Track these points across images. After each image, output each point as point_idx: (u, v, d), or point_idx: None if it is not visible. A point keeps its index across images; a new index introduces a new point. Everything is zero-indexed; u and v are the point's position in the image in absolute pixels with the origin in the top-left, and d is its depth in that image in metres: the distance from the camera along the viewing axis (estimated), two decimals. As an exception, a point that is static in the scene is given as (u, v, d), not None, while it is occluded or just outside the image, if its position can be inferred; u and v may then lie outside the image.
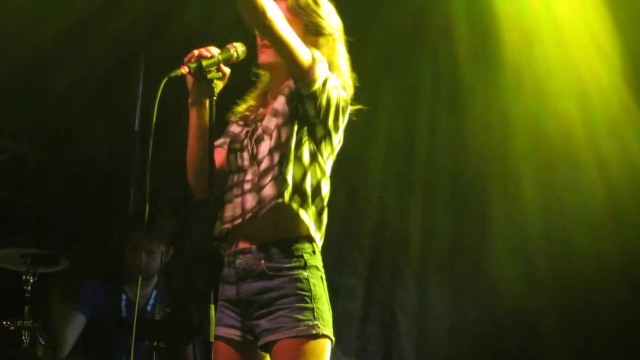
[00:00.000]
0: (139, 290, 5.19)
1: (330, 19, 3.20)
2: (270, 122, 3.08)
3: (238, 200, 3.10)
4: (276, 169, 3.02)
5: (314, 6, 3.17)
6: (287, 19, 3.05)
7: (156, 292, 5.38)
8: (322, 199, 3.13)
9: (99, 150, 6.13)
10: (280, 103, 3.09)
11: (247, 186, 3.09)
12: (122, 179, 6.01)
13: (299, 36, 3.05)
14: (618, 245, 5.44)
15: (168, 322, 4.92)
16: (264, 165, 3.05)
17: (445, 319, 5.88)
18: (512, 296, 5.64)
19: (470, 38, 5.73)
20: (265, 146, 3.07)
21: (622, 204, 5.45)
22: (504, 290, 5.67)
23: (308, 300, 3.02)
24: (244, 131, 3.18)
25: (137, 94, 6.07)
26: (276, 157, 3.04)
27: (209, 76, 3.04)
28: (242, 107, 3.27)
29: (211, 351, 3.14)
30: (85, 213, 5.99)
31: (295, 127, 3.07)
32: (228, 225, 3.12)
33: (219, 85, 3.08)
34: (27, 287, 4.84)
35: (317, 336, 3.00)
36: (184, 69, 3.01)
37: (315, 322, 3.00)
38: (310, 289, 3.04)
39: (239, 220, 3.08)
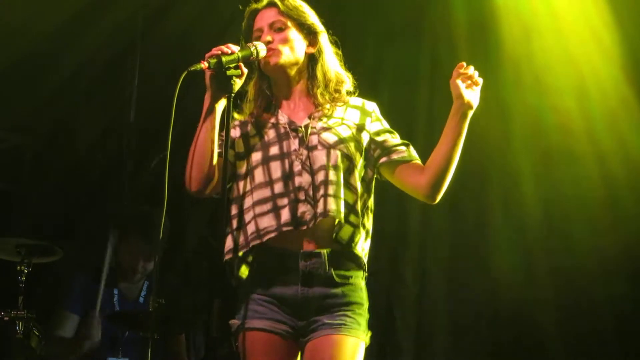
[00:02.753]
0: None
1: (315, 18, 3.31)
2: (331, 138, 3.16)
3: (287, 208, 3.11)
4: (335, 183, 3.11)
5: (300, 7, 3.28)
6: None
7: (147, 282, 5.36)
8: (370, 213, 3.25)
9: (94, 142, 6.11)
10: (345, 131, 3.21)
11: (300, 195, 3.12)
12: (117, 170, 6.00)
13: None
14: (616, 238, 5.46)
15: (162, 313, 4.91)
16: (323, 177, 3.11)
17: (444, 311, 5.87)
18: (510, 289, 5.64)
19: (469, 32, 5.72)
20: (323, 159, 3.13)
21: (620, 197, 5.47)
22: (502, 283, 5.67)
23: (365, 310, 3.18)
24: (282, 139, 3.19)
25: (132, 86, 6.06)
26: (334, 173, 3.12)
27: (228, 73, 3.04)
28: (247, 110, 3.29)
29: (212, 344, 3.12)
30: (80, 204, 5.98)
31: (357, 153, 3.20)
32: (274, 234, 3.12)
33: (237, 83, 3.08)
34: (21, 278, 4.83)
35: (364, 345, 3.15)
36: (204, 64, 3.01)
37: (368, 332, 3.17)
38: (367, 299, 3.20)
39: (289, 228, 3.10)
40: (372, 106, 3.31)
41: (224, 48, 3.05)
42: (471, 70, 3.13)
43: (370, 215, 3.24)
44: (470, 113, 3.15)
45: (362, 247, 3.17)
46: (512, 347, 5.68)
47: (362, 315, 3.14)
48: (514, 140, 5.69)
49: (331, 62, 3.29)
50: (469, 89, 3.13)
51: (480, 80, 3.15)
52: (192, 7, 5.86)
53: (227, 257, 3.16)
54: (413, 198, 5.72)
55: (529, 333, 5.65)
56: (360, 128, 3.23)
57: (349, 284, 3.13)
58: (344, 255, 3.13)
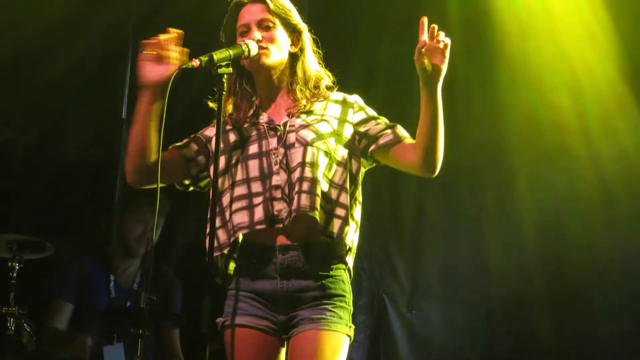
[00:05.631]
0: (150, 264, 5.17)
1: (298, 16, 3.31)
2: (308, 135, 3.16)
3: (262, 206, 3.11)
4: (311, 180, 3.09)
5: (286, 6, 3.28)
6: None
7: (141, 271, 5.35)
8: (358, 204, 3.23)
9: (86, 137, 6.09)
10: (324, 127, 3.20)
11: (276, 193, 3.11)
12: (109, 166, 5.99)
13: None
14: (610, 237, 5.47)
15: (155, 309, 4.90)
16: (299, 174, 3.10)
17: (437, 308, 5.87)
18: (504, 287, 5.65)
19: (464, 30, 5.71)
20: (300, 157, 3.12)
21: (614, 195, 5.47)
22: (496, 281, 5.68)
23: (347, 302, 3.15)
24: (262, 138, 3.19)
25: (125, 82, 6.05)
26: (311, 170, 3.11)
27: (219, 71, 3.03)
28: (227, 107, 3.28)
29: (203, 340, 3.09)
30: (73, 200, 5.96)
31: (338, 147, 3.19)
32: (246, 231, 3.12)
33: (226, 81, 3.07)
34: (12, 274, 4.82)
35: (349, 338, 3.14)
36: (195, 62, 3.00)
37: (351, 325, 3.15)
38: (350, 290, 3.18)
39: (262, 226, 3.10)
40: (353, 97, 3.30)
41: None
42: (434, 32, 3.03)
43: (358, 206, 3.24)
44: (440, 84, 3.05)
45: (351, 239, 3.16)
46: (506, 344, 5.68)
47: (344, 308, 3.12)
48: (509, 138, 5.68)
49: (311, 60, 3.30)
50: (435, 58, 3.01)
51: (448, 40, 3.03)
52: (185, 4, 5.85)
53: (212, 254, 3.14)
54: (406, 196, 5.69)
55: (523, 331, 5.65)
56: (342, 121, 3.23)
57: (330, 277, 3.12)
58: (324, 247, 3.12)
